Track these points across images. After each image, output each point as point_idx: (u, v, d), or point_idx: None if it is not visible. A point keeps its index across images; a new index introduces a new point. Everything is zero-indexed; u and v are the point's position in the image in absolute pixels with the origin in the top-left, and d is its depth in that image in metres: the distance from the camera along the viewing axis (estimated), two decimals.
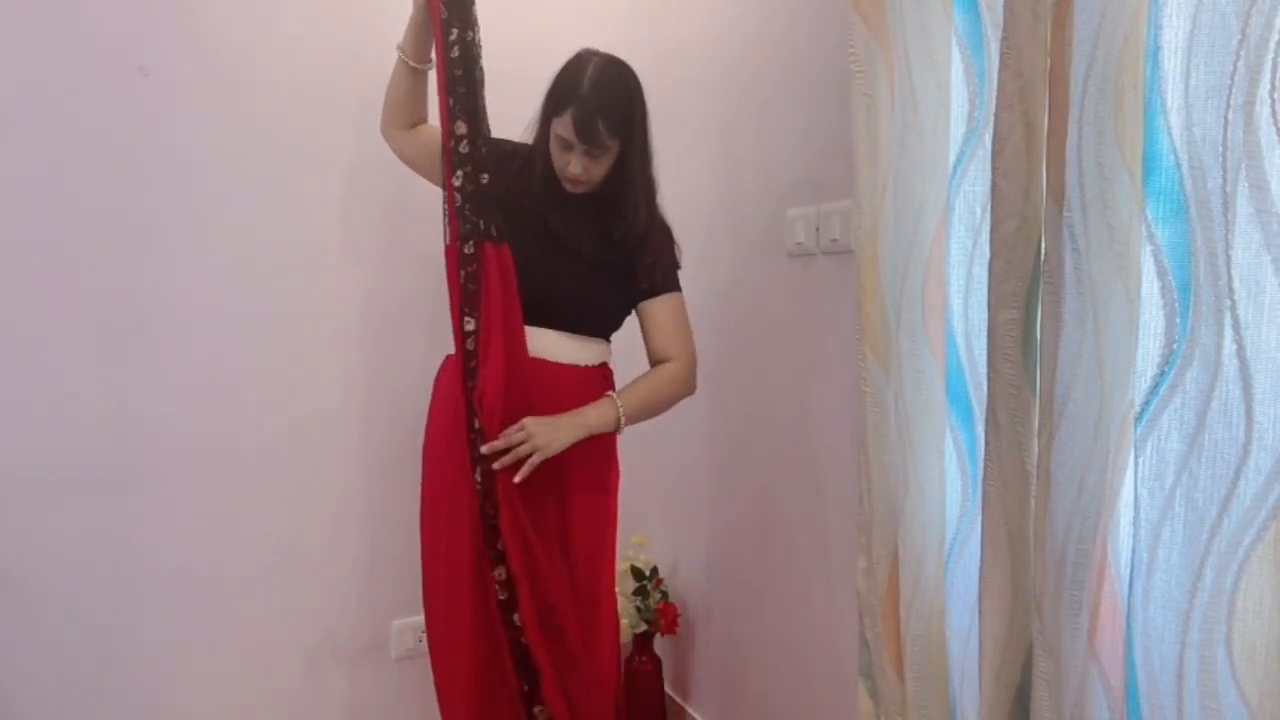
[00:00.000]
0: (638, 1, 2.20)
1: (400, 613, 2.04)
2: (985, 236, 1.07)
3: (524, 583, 1.49)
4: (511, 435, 1.45)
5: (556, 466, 1.52)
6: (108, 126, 1.71)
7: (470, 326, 1.48)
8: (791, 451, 1.76)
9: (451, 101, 1.45)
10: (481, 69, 1.47)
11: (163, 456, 1.79)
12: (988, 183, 1.04)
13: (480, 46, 1.46)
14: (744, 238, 1.89)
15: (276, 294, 1.88)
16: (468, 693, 1.57)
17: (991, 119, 1.04)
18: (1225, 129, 0.81)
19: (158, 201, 1.76)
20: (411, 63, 1.60)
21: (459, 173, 1.46)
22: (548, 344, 1.56)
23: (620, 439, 1.68)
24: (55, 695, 1.72)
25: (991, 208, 1.03)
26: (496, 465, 1.45)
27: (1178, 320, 0.90)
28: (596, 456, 1.61)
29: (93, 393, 1.72)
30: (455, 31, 1.43)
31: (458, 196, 1.47)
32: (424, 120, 1.70)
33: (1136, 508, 0.95)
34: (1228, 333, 0.84)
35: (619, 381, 1.65)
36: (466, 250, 1.47)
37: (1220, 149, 0.82)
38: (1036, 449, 1.01)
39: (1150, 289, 0.92)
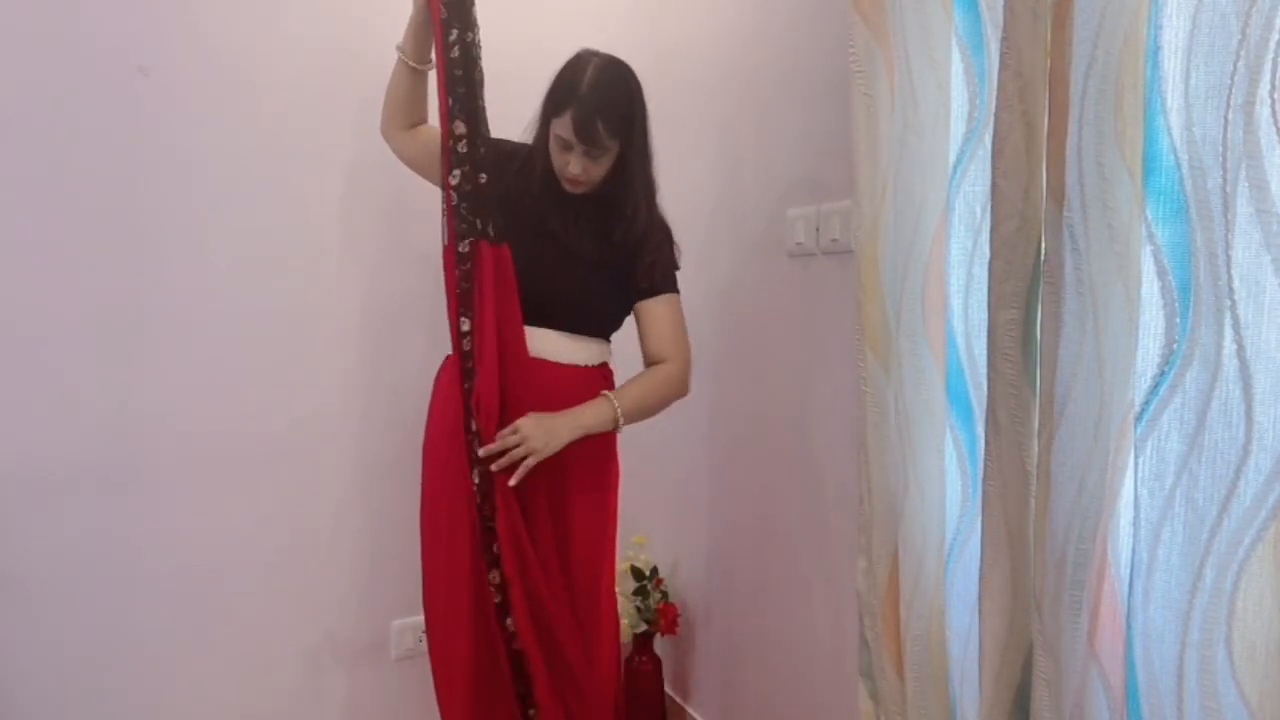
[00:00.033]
0: (638, 1, 2.20)
1: (400, 613, 2.04)
2: (985, 236, 1.07)
3: (517, 586, 1.49)
4: (506, 438, 1.44)
5: (556, 466, 1.52)
6: (108, 126, 1.71)
7: (466, 327, 1.48)
8: (791, 451, 1.76)
9: (451, 101, 1.45)
10: (481, 70, 1.47)
11: (163, 456, 1.79)
12: (988, 183, 1.04)
13: (480, 47, 1.46)
14: (744, 238, 1.89)
15: (276, 294, 1.88)
16: (467, 693, 1.57)
17: (991, 119, 1.04)
18: (1225, 129, 0.81)
19: (158, 201, 1.76)
20: (411, 63, 1.60)
21: (456, 172, 1.46)
22: (548, 344, 1.56)
23: (620, 439, 1.68)
24: (55, 695, 1.72)
25: (991, 208, 1.03)
26: (494, 467, 1.45)
27: (1178, 320, 0.90)
28: (596, 456, 1.61)
29: (93, 393, 1.72)
30: (455, 32, 1.43)
31: (455, 196, 1.47)
32: (424, 121, 1.70)
33: (1136, 508, 0.95)
34: (1228, 333, 0.84)
35: (619, 381, 1.65)
36: (462, 249, 1.47)
37: (1220, 149, 0.82)
38: (1036, 449, 1.01)
39: (1150, 289, 0.92)
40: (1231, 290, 0.83)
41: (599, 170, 1.52)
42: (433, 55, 1.55)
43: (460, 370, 1.49)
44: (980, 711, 1.11)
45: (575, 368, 1.59)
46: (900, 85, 1.21)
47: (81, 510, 1.72)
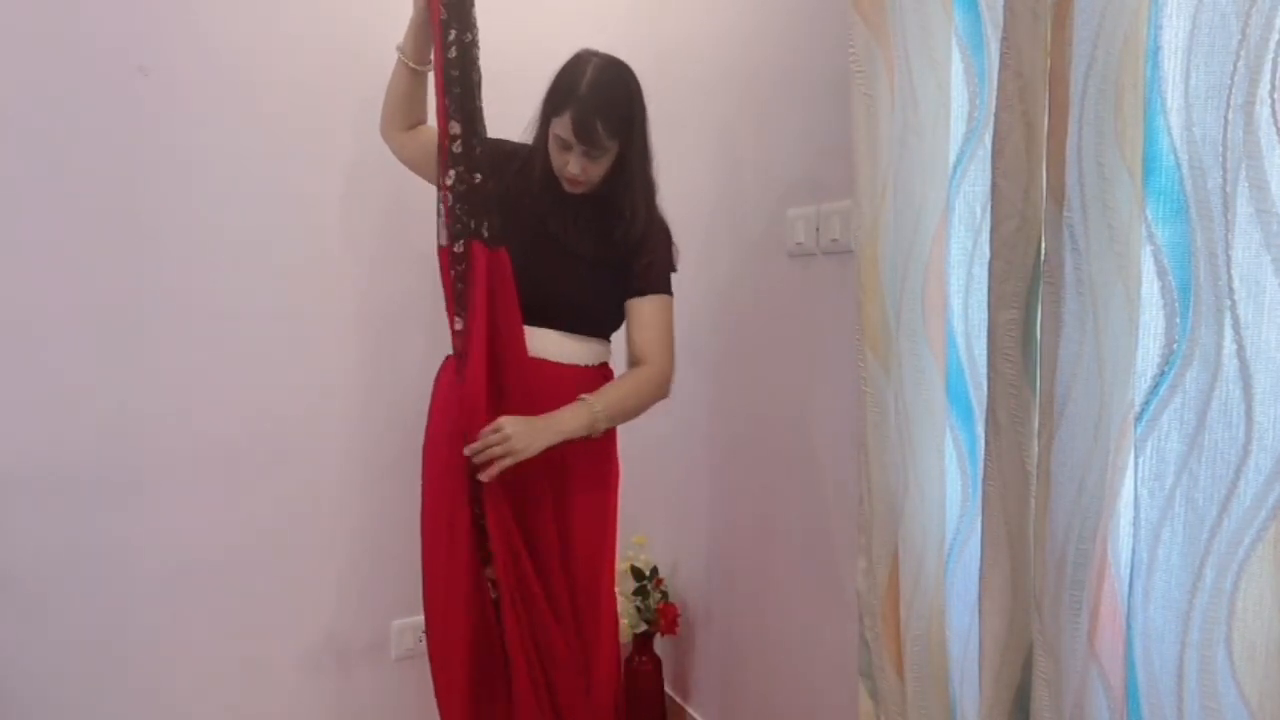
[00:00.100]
0: (638, 1, 2.20)
1: (400, 613, 2.04)
2: (985, 236, 1.07)
3: (506, 587, 1.49)
4: (488, 436, 1.43)
5: (557, 466, 1.52)
6: (108, 126, 1.71)
7: (459, 326, 1.48)
8: (791, 451, 1.76)
9: (447, 101, 1.45)
10: (479, 71, 1.47)
11: (163, 456, 1.79)
12: (988, 183, 1.04)
13: (478, 48, 1.46)
14: (744, 238, 1.89)
15: (276, 294, 1.88)
16: (466, 693, 1.57)
17: (991, 119, 1.04)
18: (1225, 129, 0.81)
19: (158, 201, 1.76)
20: (411, 64, 1.60)
21: (451, 172, 1.46)
22: (548, 344, 1.56)
23: (620, 439, 1.68)
24: (55, 695, 1.72)
25: (991, 208, 1.03)
26: (474, 462, 1.44)
27: (1178, 320, 0.90)
28: (596, 455, 1.62)
29: (93, 393, 1.72)
30: (453, 33, 1.43)
31: (450, 196, 1.47)
32: (423, 121, 1.70)
33: (1136, 508, 0.95)
34: (1228, 333, 0.84)
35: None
36: (457, 249, 1.47)
37: (1220, 149, 0.82)
38: (1036, 449, 1.01)
39: (1150, 289, 0.92)
40: (1231, 290, 0.83)
41: (598, 170, 1.52)
42: (432, 56, 1.55)
43: (456, 370, 1.49)
44: (980, 711, 1.11)
45: (575, 368, 1.59)
46: (900, 85, 1.21)
47: (81, 510, 1.72)
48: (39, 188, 1.66)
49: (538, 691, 1.54)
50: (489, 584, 1.52)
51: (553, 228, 1.57)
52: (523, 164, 1.58)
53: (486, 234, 1.48)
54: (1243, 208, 0.82)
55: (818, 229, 1.62)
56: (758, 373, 1.87)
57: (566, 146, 1.48)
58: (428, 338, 1.97)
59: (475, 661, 1.56)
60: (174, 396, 1.79)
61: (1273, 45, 0.78)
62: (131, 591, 1.78)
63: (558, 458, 1.50)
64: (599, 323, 1.63)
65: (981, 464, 1.08)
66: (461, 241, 1.47)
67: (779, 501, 1.81)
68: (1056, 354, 0.94)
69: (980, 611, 1.09)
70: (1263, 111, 0.79)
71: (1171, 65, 0.89)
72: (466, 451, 1.44)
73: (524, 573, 1.52)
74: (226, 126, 1.81)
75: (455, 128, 1.46)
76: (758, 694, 1.92)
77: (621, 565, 2.07)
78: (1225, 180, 0.82)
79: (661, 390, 1.61)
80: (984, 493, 1.07)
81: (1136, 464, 0.95)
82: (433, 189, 1.60)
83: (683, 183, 1.97)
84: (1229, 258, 0.82)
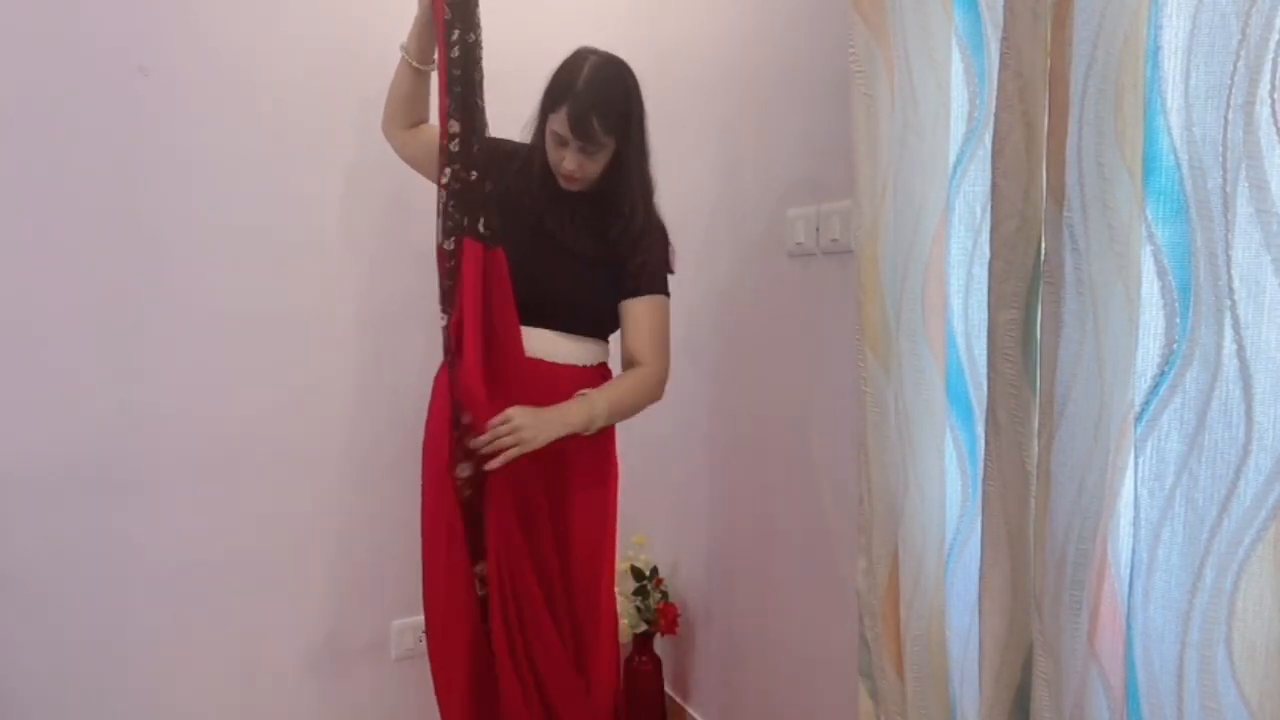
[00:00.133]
0: (638, 1, 2.20)
1: (400, 613, 2.04)
2: (985, 236, 1.07)
3: (496, 585, 1.50)
4: (497, 426, 1.43)
5: (555, 465, 1.52)
6: (108, 126, 1.71)
7: (443, 323, 1.48)
8: (791, 451, 1.76)
9: (449, 100, 1.46)
10: (481, 70, 1.47)
11: (162, 456, 1.79)
12: (988, 183, 1.04)
13: (481, 48, 1.47)
14: (744, 238, 1.89)
15: (276, 294, 1.88)
16: (466, 693, 1.57)
17: (991, 119, 1.04)
18: (1225, 129, 0.81)
19: (158, 201, 1.76)
20: (414, 63, 1.60)
21: (448, 170, 1.47)
22: (545, 344, 1.56)
23: (619, 438, 1.68)
24: (55, 695, 1.72)
25: (991, 208, 1.03)
26: (481, 453, 1.43)
27: (1178, 320, 0.90)
28: (595, 454, 1.61)
29: (93, 393, 1.72)
30: (457, 32, 1.44)
31: (445, 193, 1.48)
32: (425, 120, 1.70)
33: (1136, 508, 0.95)
34: (1228, 333, 0.84)
35: None
36: (447, 247, 1.47)
37: (1220, 149, 0.82)
38: (1036, 449, 1.01)
39: (1150, 289, 0.92)
40: (1231, 290, 0.83)
41: (594, 167, 1.52)
42: (436, 55, 1.56)
43: (447, 366, 1.49)
44: (980, 711, 1.11)
45: (572, 368, 1.59)
46: (900, 85, 1.21)
47: (81, 510, 1.72)
48: (39, 188, 1.66)
49: (525, 691, 1.54)
50: (477, 581, 1.52)
51: (550, 226, 1.57)
52: (521, 163, 1.58)
53: (483, 231, 1.48)
54: (1243, 208, 0.81)
55: (818, 229, 1.62)
56: (758, 373, 1.87)
57: (563, 142, 1.49)
58: (428, 338, 1.96)
59: (475, 661, 1.56)
60: (174, 396, 1.79)
61: (1273, 45, 0.78)
62: (131, 591, 1.78)
63: (556, 457, 1.50)
64: (597, 323, 1.63)
65: (981, 464, 1.08)
66: (452, 240, 1.47)
67: (779, 501, 1.81)
68: (1056, 354, 0.94)
69: (980, 611, 1.09)
70: (1263, 111, 0.79)
71: (1171, 65, 0.89)
72: (473, 444, 1.44)
73: (522, 570, 1.52)
74: (226, 126, 1.81)
75: (454, 126, 1.47)
76: (758, 694, 1.92)
77: (621, 565, 2.06)
78: (1225, 180, 0.82)
79: (656, 392, 1.61)
80: (984, 493, 1.07)
81: (1136, 464, 0.94)
82: (433, 188, 1.60)
83: (683, 183, 1.97)
84: (1229, 258, 0.82)
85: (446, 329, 1.48)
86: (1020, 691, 1.08)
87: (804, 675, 1.76)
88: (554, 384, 1.55)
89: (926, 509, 1.24)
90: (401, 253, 1.99)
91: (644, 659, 2.15)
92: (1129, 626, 0.97)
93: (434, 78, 1.61)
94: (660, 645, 2.22)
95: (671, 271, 1.65)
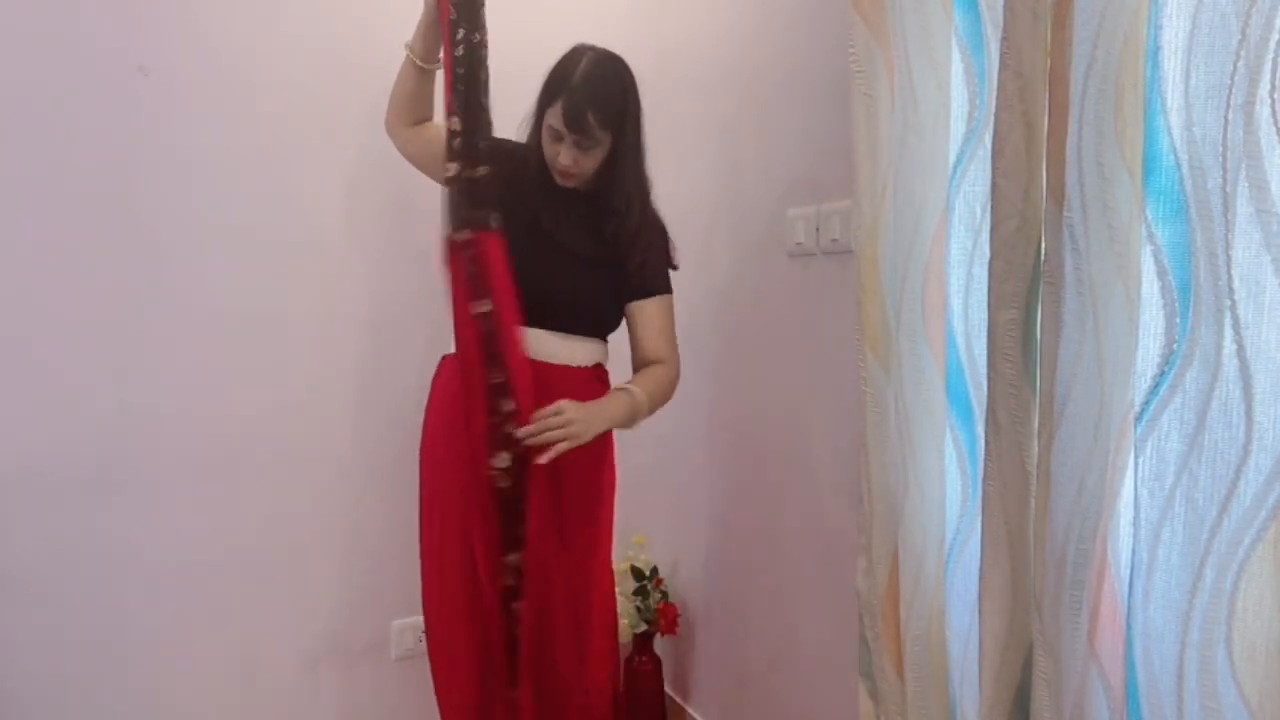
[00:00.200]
0: (638, 1, 2.20)
1: (400, 613, 2.04)
2: (985, 236, 1.07)
3: (533, 574, 1.49)
4: (548, 418, 1.43)
5: (553, 466, 1.52)
6: (108, 126, 1.71)
7: (485, 308, 1.48)
8: (791, 451, 1.76)
9: (454, 97, 1.47)
10: (487, 70, 1.49)
11: (162, 456, 1.79)
12: (988, 183, 1.04)
13: (487, 48, 1.48)
14: (744, 238, 1.89)
15: (276, 294, 1.88)
16: (467, 693, 1.57)
17: (991, 119, 1.04)
18: (1225, 129, 0.81)
19: (158, 201, 1.76)
20: (419, 61, 1.61)
21: (453, 165, 1.48)
22: (541, 345, 1.55)
23: (618, 438, 1.68)
24: (55, 694, 1.72)
25: (991, 208, 1.03)
26: (528, 443, 1.43)
27: (1178, 320, 0.90)
28: (593, 456, 1.61)
29: (93, 393, 1.72)
30: (462, 32, 1.46)
31: (454, 188, 1.48)
32: (429, 118, 1.70)
33: (1136, 508, 0.95)
34: (1228, 333, 0.83)
35: (614, 383, 1.64)
36: (465, 237, 1.48)
37: (1220, 149, 0.82)
38: (1036, 449, 1.01)
39: (1150, 289, 0.92)
40: (1231, 290, 0.83)
41: (590, 162, 1.52)
42: (440, 54, 1.56)
43: (481, 355, 1.47)
44: (980, 711, 1.11)
45: (567, 369, 1.58)
46: (900, 85, 1.21)
47: (81, 510, 1.72)
48: (39, 188, 1.66)
49: (542, 686, 1.55)
50: (509, 571, 1.51)
51: (546, 223, 1.57)
52: (519, 161, 1.58)
53: (494, 225, 1.49)
54: (1243, 208, 0.81)
55: (818, 229, 1.62)
56: (758, 373, 1.87)
57: (559, 137, 1.49)
58: (428, 338, 1.97)
59: (475, 661, 1.56)
60: (174, 396, 1.79)
61: (1273, 45, 0.78)
62: (131, 591, 1.78)
63: (555, 460, 1.50)
64: (595, 322, 1.63)
65: (981, 464, 1.08)
66: (468, 231, 1.48)
67: (779, 501, 1.81)
68: (1056, 354, 0.94)
69: (980, 611, 1.09)
70: (1263, 111, 0.79)
71: (1171, 65, 0.89)
72: (519, 433, 1.43)
73: (550, 565, 1.52)
74: (226, 126, 1.81)
75: (457, 123, 1.47)
76: (758, 694, 1.92)
77: (621, 565, 2.07)
78: (1225, 180, 0.82)
79: (674, 389, 1.63)
80: (984, 493, 1.07)
81: (1136, 464, 0.94)
82: (435, 187, 1.60)
83: (683, 183, 1.97)
84: (1229, 258, 0.82)
85: (488, 314, 1.47)
86: (1020, 691, 1.08)
87: (804, 675, 1.76)
88: (550, 386, 1.53)
89: (926, 509, 1.24)
90: (402, 253, 1.99)
91: (644, 659, 2.15)
92: (1129, 626, 0.97)
93: (439, 76, 1.62)
94: (660, 645, 2.22)
95: (675, 267, 1.65)
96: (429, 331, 1.97)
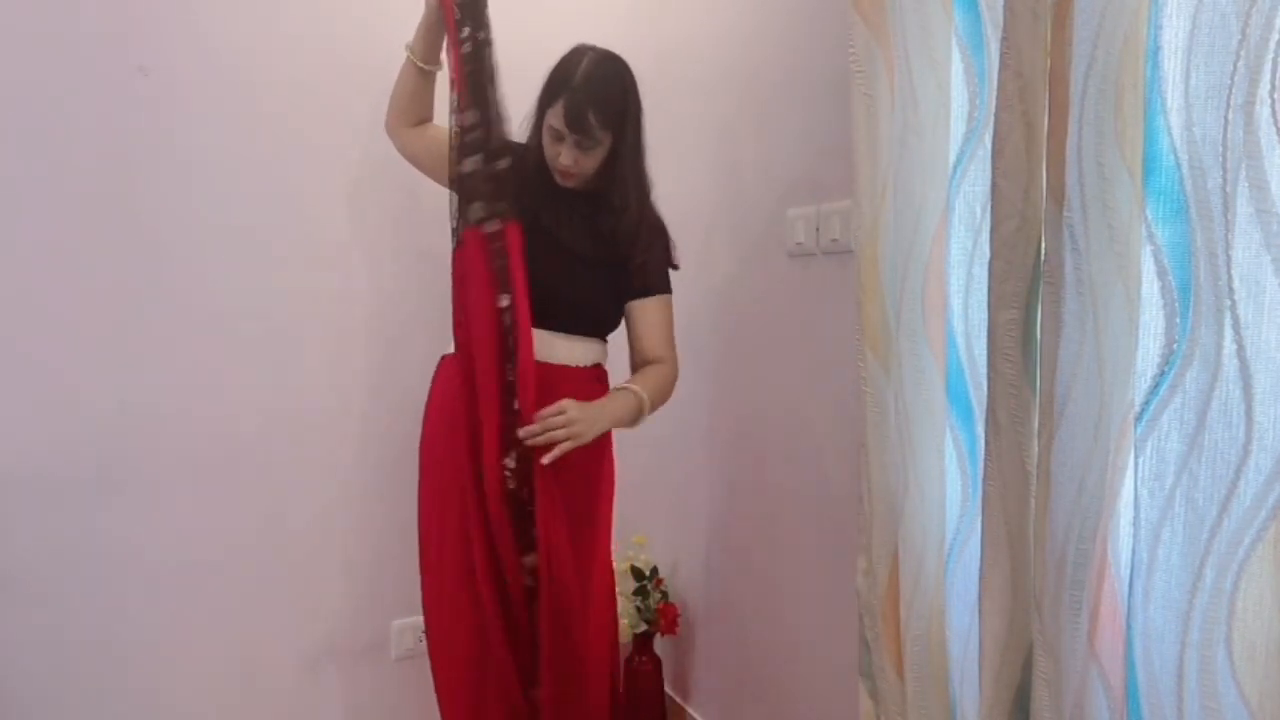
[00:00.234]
0: (638, 1, 2.20)
1: (400, 613, 2.04)
2: (985, 236, 1.07)
3: (547, 573, 1.50)
4: (550, 418, 1.44)
5: (552, 463, 1.52)
6: (108, 126, 1.71)
7: (504, 303, 1.48)
8: (791, 451, 1.76)
9: (466, 93, 1.48)
10: (494, 66, 1.50)
11: (162, 456, 1.79)
12: (988, 183, 1.04)
13: (491, 46, 1.50)
14: (744, 238, 1.89)
15: (276, 293, 1.88)
16: (467, 692, 1.57)
17: (991, 119, 1.04)
18: (1225, 129, 0.81)
19: (158, 201, 1.76)
20: (419, 63, 1.61)
21: (472, 159, 1.49)
22: (543, 344, 1.54)
23: (616, 438, 1.68)
24: (55, 695, 1.72)
25: (991, 208, 1.03)
26: (530, 443, 1.44)
27: (1178, 320, 0.90)
28: (592, 455, 1.61)
29: (93, 393, 1.72)
30: (467, 29, 1.47)
31: (475, 181, 1.49)
32: (429, 119, 1.70)
33: (1136, 508, 0.95)
34: (1228, 333, 0.83)
35: (613, 383, 1.64)
36: (493, 228, 1.48)
37: (1220, 149, 0.82)
38: (1036, 449, 1.01)
39: (1150, 289, 0.92)
40: (1231, 290, 0.83)
41: (590, 162, 1.52)
42: (442, 56, 1.57)
43: (500, 351, 1.48)
44: (980, 711, 1.11)
45: (566, 369, 1.58)
46: (900, 85, 1.21)
47: (81, 510, 1.72)
48: (39, 188, 1.66)
49: (563, 686, 1.54)
50: (525, 573, 1.51)
51: (546, 222, 1.57)
52: (518, 160, 1.58)
53: (519, 215, 1.50)
54: (1243, 208, 0.81)
55: (818, 229, 1.62)
56: (758, 373, 1.87)
57: (559, 137, 1.49)
58: (429, 337, 1.96)
59: (474, 660, 1.56)
60: (174, 396, 1.79)
61: (1273, 45, 0.78)
62: (131, 591, 1.78)
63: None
64: (595, 322, 1.63)
65: (981, 464, 1.08)
66: (496, 220, 1.49)
67: (779, 501, 1.81)
68: (1056, 354, 0.94)
69: (980, 611, 1.09)
70: (1263, 111, 0.79)
71: (1171, 65, 0.89)
72: (523, 433, 1.44)
73: (564, 562, 1.52)
74: (226, 126, 1.81)
75: (471, 118, 1.48)
76: (758, 693, 1.92)
77: (621, 565, 2.07)
78: (1225, 180, 0.82)
79: (673, 389, 1.64)
80: (984, 493, 1.07)
81: (1136, 464, 0.94)
82: (436, 188, 1.61)
83: (683, 183, 1.97)
84: (1229, 258, 0.82)
85: (508, 309, 1.48)
86: (1020, 691, 1.08)
87: (804, 675, 1.76)
88: (552, 385, 1.54)
89: (926, 509, 1.24)
90: (402, 253, 1.99)
91: (644, 659, 2.15)
92: (1129, 626, 0.97)
93: (440, 77, 1.62)
94: (660, 645, 2.22)
95: (675, 267, 1.65)
96: (429, 331, 1.97)
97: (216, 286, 1.82)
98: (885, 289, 1.26)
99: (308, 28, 1.87)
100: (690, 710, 2.20)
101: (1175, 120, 0.89)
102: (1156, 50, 0.89)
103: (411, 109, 1.67)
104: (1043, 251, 0.99)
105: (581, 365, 1.61)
